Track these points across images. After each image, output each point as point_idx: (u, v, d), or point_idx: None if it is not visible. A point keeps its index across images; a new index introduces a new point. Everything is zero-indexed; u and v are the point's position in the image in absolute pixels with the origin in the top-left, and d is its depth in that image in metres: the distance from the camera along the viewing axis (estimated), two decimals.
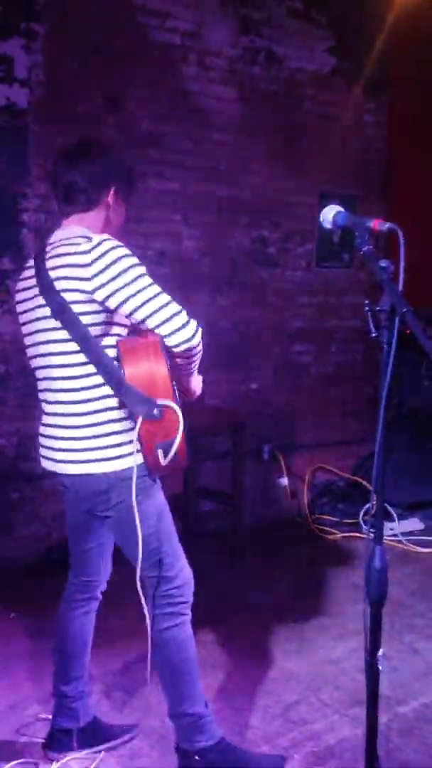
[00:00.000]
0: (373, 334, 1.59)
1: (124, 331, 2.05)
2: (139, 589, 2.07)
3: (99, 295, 1.94)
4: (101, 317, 1.98)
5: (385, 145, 5.25)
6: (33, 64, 3.78)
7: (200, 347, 2.02)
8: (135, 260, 1.97)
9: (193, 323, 1.98)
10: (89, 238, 1.98)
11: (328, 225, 1.81)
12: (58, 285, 1.97)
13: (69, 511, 2.27)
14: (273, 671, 2.93)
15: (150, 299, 1.94)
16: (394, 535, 4.35)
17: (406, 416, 4.74)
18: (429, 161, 5.35)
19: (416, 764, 2.36)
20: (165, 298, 1.96)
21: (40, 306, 2.02)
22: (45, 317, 2.01)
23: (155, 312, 1.94)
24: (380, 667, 1.60)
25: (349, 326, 5.20)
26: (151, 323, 1.95)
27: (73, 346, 1.98)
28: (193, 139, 4.32)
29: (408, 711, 2.65)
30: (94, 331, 1.98)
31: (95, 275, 1.92)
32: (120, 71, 4.00)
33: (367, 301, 1.61)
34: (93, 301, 1.95)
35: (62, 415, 2.05)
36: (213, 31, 4.32)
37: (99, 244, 1.96)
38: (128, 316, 1.97)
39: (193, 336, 1.98)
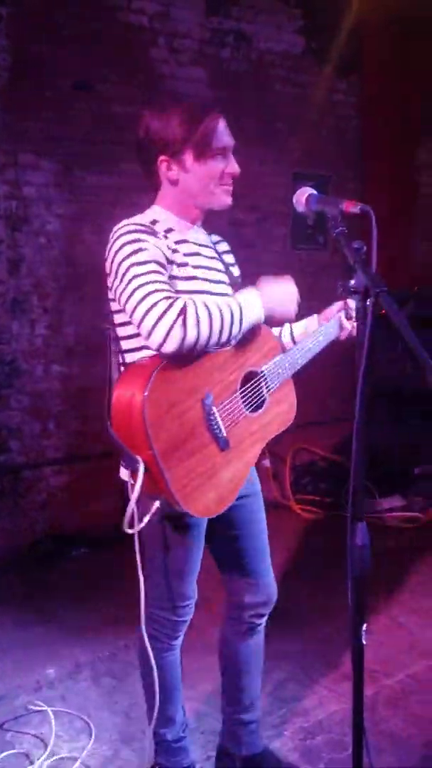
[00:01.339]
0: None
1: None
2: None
3: (116, 289, 1.74)
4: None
5: (358, 124, 5.24)
6: None
7: (180, 343, 1.61)
8: (129, 242, 1.72)
9: (162, 327, 1.60)
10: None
11: (300, 208, 1.77)
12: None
13: None
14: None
15: (131, 294, 1.66)
16: (376, 512, 4.40)
17: (387, 394, 4.77)
18: (403, 138, 5.37)
19: (403, 734, 2.40)
20: (143, 291, 1.64)
21: None
22: None
23: (133, 311, 1.66)
24: (365, 642, 1.61)
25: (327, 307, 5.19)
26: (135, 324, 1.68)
27: None
28: None
29: (394, 683, 2.70)
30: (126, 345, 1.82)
31: (109, 276, 1.77)
32: (89, 54, 3.94)
33: (341, 282, 1.58)
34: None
35: None
36: (181, 12, 4.27)
37: (109, 239, 1.78)
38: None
39: (164, 341, 1.60)
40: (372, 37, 5.07)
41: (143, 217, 1.85)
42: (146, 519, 1.68)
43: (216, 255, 1.97)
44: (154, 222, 1.83)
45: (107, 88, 4.03)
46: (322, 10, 4.82)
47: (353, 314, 2.05)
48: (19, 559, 3.85)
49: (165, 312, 1.60)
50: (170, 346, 1.61)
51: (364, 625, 1.61)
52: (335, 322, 2.10)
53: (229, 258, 2.05)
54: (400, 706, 2.56)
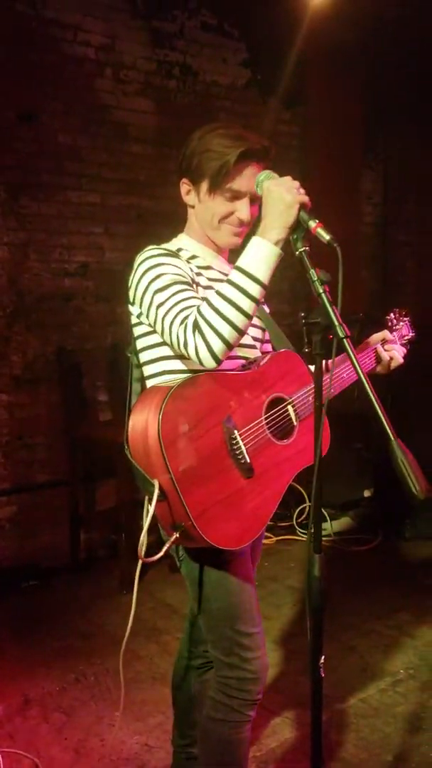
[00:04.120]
0: (306, 350, 1.54)
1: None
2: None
3: (145, 318, 1.73)
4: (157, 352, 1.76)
5: (302, 154, 5.36)
6: None
7: (211, 355, 1.56)
8: (150, 269, 1.69)
9: (192, 352, 1.57)
10: None
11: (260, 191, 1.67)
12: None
13: None
14: None
15: (161, 326, 1.65)
16: (327, 536, 4.44)
17: (332, 418, 4.83)
18: (346, 169, 5.52)
19: (355, 759, 2.41)
20: (167, 321, 1.62)
21: None
22: None
23: (170, 342, 1.65)
24: (323, 674, 1.60)
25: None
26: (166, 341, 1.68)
27: None
28: (111, 152, 4.31)
29: (346, 708, 2.71)
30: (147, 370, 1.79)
31: (134, 295, 1.74)
32: (33, 85, 3.95)
33: (302, 314, 1.53)
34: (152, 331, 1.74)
35: None
36: (126, 45, 4.33)
37: (133, 266, 1.75)
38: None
39: (202, 362, 1.57)
40: (316, 69, 5.21)
41: (169, 245, 1.84)
42: (165, 548, 1.59)
43: None
44: (179, 250, 1.82)
45: (52, 118, 4.04)
46: (267, 43, 4.95)
47: (392, 345, 2.04)
48: None
49: (186, 338, 1.57)
50: (209, 362, 1.57)
51: (322, 657, 1.59)
52: (371, 353, 2.01)
53: None
54: (351, 730, 2.57)
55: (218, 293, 1.59)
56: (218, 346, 1.55)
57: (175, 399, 1.56)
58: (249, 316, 1.59)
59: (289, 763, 2.39)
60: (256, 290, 1.58)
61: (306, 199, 1.62)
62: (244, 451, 1.66)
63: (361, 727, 2.58)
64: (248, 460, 1.66)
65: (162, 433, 1.52)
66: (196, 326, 1.55)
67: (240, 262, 1.61)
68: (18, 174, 3.93)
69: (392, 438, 1.37)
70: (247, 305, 1.57)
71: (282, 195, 1.60)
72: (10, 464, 4.01)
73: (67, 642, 3.24)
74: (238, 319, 1.56)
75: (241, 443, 1.65)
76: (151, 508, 1.56)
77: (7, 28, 3.85)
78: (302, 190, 1.63)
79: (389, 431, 1.37)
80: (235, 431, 1.65)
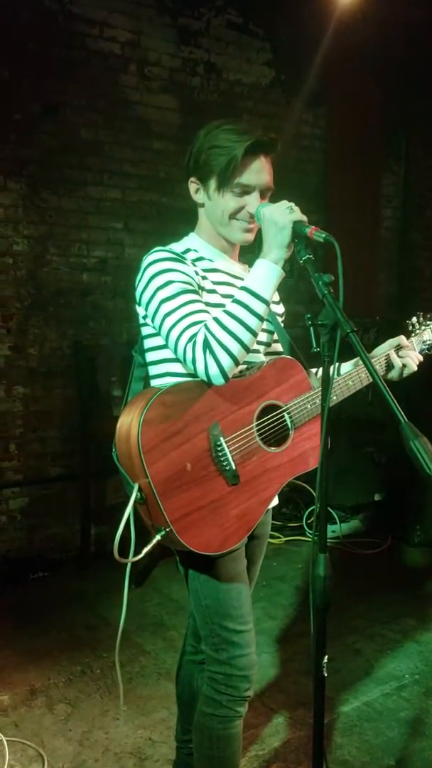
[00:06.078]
0: (315, 350, 1.54)
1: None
2: None
3: (150, 321, 1.73)
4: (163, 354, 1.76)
5: (324, 156, 5.35)
6: None
7: (220, 371, 1.58)
8: (157, 274, 1.68)
9: (201, 368, 1.58)
10: None
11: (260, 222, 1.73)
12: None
13: None
14: None
15: (167, 336, 1.66)
16: (336, 538, 4.43)
17: (345, 422, 4.83)
18: (366, 172, 5.51)
19: (357, 762, 2.41)
20: (175, 334, 1.63)
21: None
22: None
23: (175, 353, 1.66)
24: (326, 674, 1.60)
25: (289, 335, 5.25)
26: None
27: None
28: (133, 148, 4.32)
29: (350, 710, 2.71)
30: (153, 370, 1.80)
31: (140, 298, 1.74)
32: (58, 79, 3.97)
33: (309, 315, 1.55)
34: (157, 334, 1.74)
35: None
36: (152, 41, 4.34)
37: (140, 268, 1.74)
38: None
39: (211, 378, 1.59)
40: (340, 71, 5.20)
41: (177, 246, 1.83)
42: (145, 550, 1.60)
43: None
44: (187, 251, 1.80)
45: (76, 112, 4.06)
46: (291, 44, 4.94)
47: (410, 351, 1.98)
48: None
49: (194, 355, 1.59)
50: (218, 380, 1.59)
51: (326, 657, 1.59)
52: (382, 361, 1.96)
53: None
54: (354, 733, 2.57)
55: (226, 312, 1.61)
56: (228, 364, 1.58)
57: (158, 405, 1.58)
58: (255, 334, 1.62)
59: (291, 763, 2.40)
60: (261, 308, 1.63)
61: (299, 216, 1.66)
62: (230, 458, 1.65)
63: (364, 730, 2.59)
64: (234, 467, 1.66)
65: (141, 439, 1.55)
66: (206, 345, 1.58)
67: (245, 283, 1.65)
68: (40, 168, 3.96)
69: (402, 420, 1.37)
70: (254, 323, 1.62)
71: (274, 219, 1.65)
72: (23, 456, 4.04)
73: (74, 634, 3.26)
74: (246, 337, 1.60)
75: (226, 450, 1.65)
76: (128, 510, 1.58)
77: (35, 22, 3.87)
78: (296, 209, 1.67)
79: (399, 415, 1.37)
80: (221, 438, 1.65)
